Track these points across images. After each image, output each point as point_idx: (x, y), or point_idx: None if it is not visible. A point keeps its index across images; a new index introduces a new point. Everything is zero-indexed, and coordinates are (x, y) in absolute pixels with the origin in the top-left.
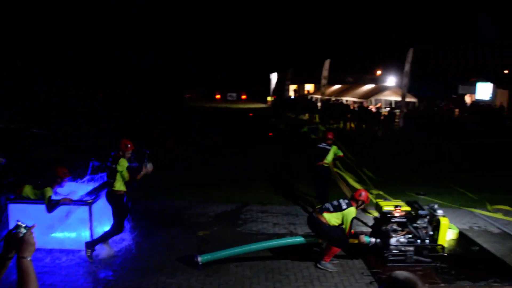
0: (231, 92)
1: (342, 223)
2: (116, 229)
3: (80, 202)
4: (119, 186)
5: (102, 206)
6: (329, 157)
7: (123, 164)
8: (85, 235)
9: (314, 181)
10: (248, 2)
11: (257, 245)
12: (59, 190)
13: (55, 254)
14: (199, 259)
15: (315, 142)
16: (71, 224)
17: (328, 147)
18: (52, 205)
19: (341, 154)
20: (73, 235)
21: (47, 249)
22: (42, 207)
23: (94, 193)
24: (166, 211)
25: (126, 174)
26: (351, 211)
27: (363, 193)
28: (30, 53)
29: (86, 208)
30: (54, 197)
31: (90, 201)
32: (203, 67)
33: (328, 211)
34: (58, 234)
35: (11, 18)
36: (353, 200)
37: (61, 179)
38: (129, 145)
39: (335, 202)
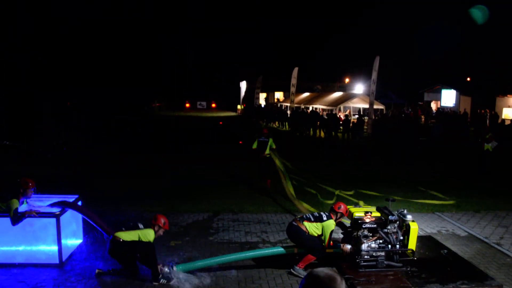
0: (200, 101)
1: (322, 234)
2: None
3: (47, 214)
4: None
5: (70, 219)
6: (267, 149)
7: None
8: (52, 248)
9: (260, 168)
10: (217, 9)
11: (235, 255)
12: (25, 202)
13: (21, 268)
14: (174, 268)
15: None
16: (38, 237)
17: (267, 140)
18: (17, 218)
19: (274, 146)
20: (40, 248)
21: (13, 263)
22: (7, 220)
23: (59, 206)
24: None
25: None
26: (330, 223)
27: (342, 206)
28: (30, 53)
29: (53, 220)
30: (20, 209)
31: (58, 213)
32: (173, 75)
33: (309, 220)
34: (24, 248)
35: (11, 18)
36: (332, 212)
37: (27, 191)
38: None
39: (316, 214)
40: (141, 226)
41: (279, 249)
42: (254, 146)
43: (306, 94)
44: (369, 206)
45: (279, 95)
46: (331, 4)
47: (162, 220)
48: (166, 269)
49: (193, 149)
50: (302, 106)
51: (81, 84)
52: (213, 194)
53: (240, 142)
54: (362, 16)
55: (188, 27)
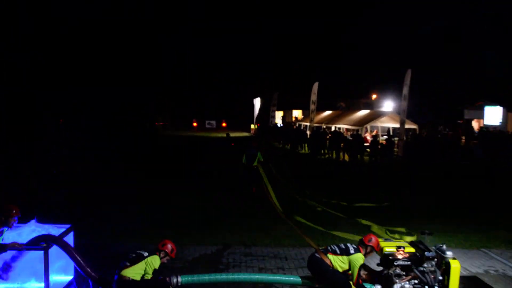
0: (210, 120)
1: (348, 269)
2: None
3: (34, 246)
4: None
5: (59, 252)
6: (256, 161)
7: None
8: (39, 286)
9: (246, 178)
10: (217, 9)
11: (245, 276)
12: (6, 233)
13: None
14: (179, 279)
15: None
16: (22, 273)
17: (255, 152)
18: None
19: (262, 159)
20: (24, 286)
21: None
22: None
23: (45, 239)
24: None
25: None
26: (359, 258)
27: (373, 239)
28: (30, 53)
29: (41, 254)
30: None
31: (46, 245)
32: (179, 92)
33: (334, 253)
34: (6, 286)
35: (11, 18)
36: (361, 245)
37: (8, 219)
38: (14, 211)
39: (342, 245)
40: (145, 254)
41: (296, 279)
42: (243, 160)
43: (327, 113)
44: (401, 240)
45: (297, 113)
46: (351, 7)
47: (170, 247)
48: (174, 280)
49: (199, 172)
50: (324, 126)
51: (81, 84)
52: (222, 223)
53: (232, 144)
54: (392, 23)
55: (188, 27)
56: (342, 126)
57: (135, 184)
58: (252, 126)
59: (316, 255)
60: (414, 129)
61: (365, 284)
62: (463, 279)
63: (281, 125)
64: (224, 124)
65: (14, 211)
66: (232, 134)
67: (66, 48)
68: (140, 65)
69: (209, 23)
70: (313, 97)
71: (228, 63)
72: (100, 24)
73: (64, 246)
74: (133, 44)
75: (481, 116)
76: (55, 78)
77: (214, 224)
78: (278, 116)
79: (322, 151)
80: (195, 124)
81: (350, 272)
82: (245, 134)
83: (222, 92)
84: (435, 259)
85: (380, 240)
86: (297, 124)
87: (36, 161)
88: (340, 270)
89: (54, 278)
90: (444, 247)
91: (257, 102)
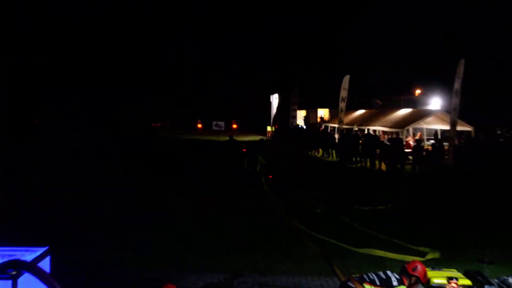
0: (217, 120)
1: None
2: None
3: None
4: None
5: (31, 280)
6: (258, 166)
7: None
8: None
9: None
10: (217, 9)
11: None
12: None
13: None
14: None
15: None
16: None
17: (257, 154)
18: None
19: (264, 162)
20: None
21: None
22: None
23: (14, 265)
24: (134, 286)
25: None
26: None
27: (419, 267)
28: (30, 53)
29: (8, 283)
30: None
31: (15, 273)
32: (180, 90)
33: (373, 283)
34: None
35: (11, 18)
36: (404, 274)
37: None
38: None
39: (382, 275)
40: None
41: None
42: (245, 164)
43: (360, 112)
44: (454, 269)
45: (323, 112)
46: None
47: None
48: None
49: (204, 186)
50: (355, 128)
51: (81, 84)
52: (231, 243)
53: (270, 177)
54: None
55: (188, 27)
56: (378, 128)
57: (134, 185)
58: (269, 128)
59: (349, 284)
60: (469, 132)
61: None
62: None
63: (304, 126)
64: (234, 126)
65: None
66: (244, 138)
67: (66, 48)
68: (140, 65)
69: (209, 23)
70: (343, 93)
71: (228, 63)
72: (100, 24)
73: (38, 274)
74: (133, 44)
75: None
76: (55, 78)
77: (220, 241)
78: (300, 116)
79: (354, 159)
80: (200, 125)
81: None
82: (261, 137)
83: (231, 89)
84: None
85: (427, 269)
86: (323, 126)
87: (36, 161)
88: None
89: None
90: (510, 280)
91: (274, 99)
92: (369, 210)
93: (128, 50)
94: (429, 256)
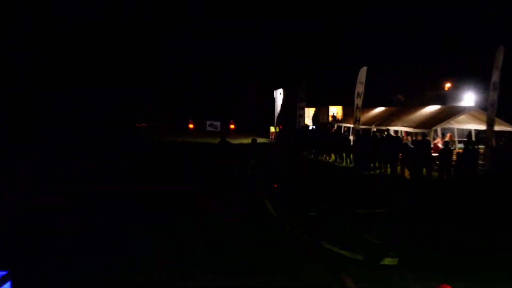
0: (212, 120)
1: None
2: None
3: None
4: None
5: None
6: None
7: None
8: None
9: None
10: (217, 9)
11: None
12: None
13: None
14: None
15: None
16: None
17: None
18: None
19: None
20: None
21: None
22: None
23: None
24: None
25: None
26: None
27: None
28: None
29: None
30: None
31: None
32: (173, 76)
33: None
34: None
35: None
36: None
37: None
38: None
39: None
40: None
41: None
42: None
43: (379, 110)
44: None
45: (335, 110)
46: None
47: None
48: None
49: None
50: (374, 129)
51: (81, 84)
52: (225, 252)
53: (275, 186)
54: None
55: (188, 27)
56: (401, 128)
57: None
58: (272, 129)
59: None
60: (509, 133)
61: None
62: None
63: (314, 127)
64: (232, 126)
65: None
66: (242, 140)
67: (66, 48)
68: (140, 65)
69: (209, 23)
70: (359, 88)
71: (228, 63)
72: (100, 24)
73: None
74: (133, 44)
75: None
76: (55, 78)
77: (214, 253)
78: (309, 115)
79: (372, 164)
80: (191, 125)
81: None
82: (262, 140)
83: (229, 85)
84: None
85: None
86: (335, 126)
87: (36, 161)
88: None
89: None
90: None
91: (279, 94)
92: (366, 213)
93: (128, 50)
94: (386, 262)
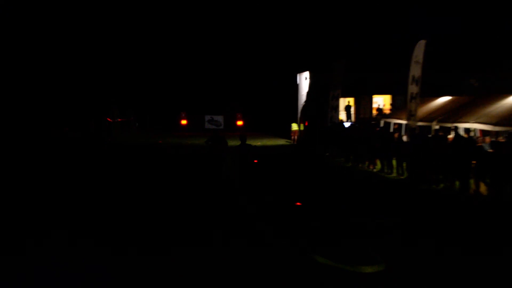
0: (213, 114)
1: None
2: None
3: None
4: None
5: None
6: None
7: None
8: None
9: None
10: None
11: None
12: None
13: None
14: None
15: None
16: None
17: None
18: None
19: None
20: None
21: None
22: None
23: None
24: None
25: None
26: None
27: None
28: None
29: None
30: None
31: None
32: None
33: None
34: None
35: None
36: None
37: None
38: None
39: None
40: None
41: None
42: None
43: (443, 100)
44: None
45: (381, 101)
46: None
47: None
48: None
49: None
50: (436, 126)
51: (81, 84)
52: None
53: (298, 204)
54: None
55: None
56: (475, 126)
57: None
58: (295, 127)
59: None
60: None
61: None
62: None
63: (352, 123)
64: (239, 122)
65: None
66: (266, 143)
67: (66, 48)
68: (140, 65)
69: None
70: (415, 70)
71: (233, 37)
72: (100, 23)
73: None
74: (133, 44)
75: None
76: (55, 78)
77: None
78: (342, 106)
79: (434, 176)
80: (184, 121)
81: None
82: (280, 141)
83: (234, 68)
84: None
85: None
86: (381, 123)
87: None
88: None
89: None
90: None
91: (304, 79)
92: (365, 222)
93: (128, 50)
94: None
